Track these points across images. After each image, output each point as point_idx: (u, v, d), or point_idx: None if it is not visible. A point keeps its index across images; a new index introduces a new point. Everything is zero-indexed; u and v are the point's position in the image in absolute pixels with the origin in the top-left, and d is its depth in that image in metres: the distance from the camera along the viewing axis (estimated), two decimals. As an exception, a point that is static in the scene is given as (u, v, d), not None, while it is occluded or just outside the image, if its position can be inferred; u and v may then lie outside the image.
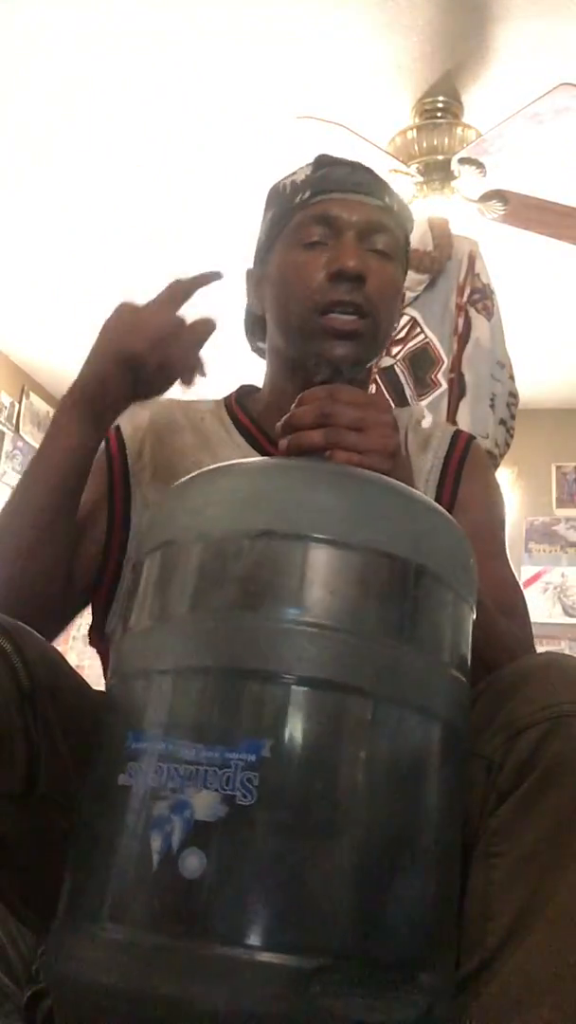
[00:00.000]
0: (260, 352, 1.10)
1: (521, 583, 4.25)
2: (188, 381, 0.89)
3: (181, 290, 0.91)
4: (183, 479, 0.71)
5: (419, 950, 0.55)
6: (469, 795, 0.67)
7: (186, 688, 0.58)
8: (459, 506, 1.00)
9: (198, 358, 0.89)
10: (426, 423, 1.11)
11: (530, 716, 0.66)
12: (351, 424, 0.73)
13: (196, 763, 0.53)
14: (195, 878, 0.50)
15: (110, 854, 0.55)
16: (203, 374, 0.90)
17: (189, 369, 0.89)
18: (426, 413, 2.14)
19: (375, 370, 2.13)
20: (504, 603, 0.93)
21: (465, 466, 1.04)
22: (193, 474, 0.70)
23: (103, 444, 1.01)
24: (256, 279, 1.07)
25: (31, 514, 0.90)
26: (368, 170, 1.02)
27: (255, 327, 1.09)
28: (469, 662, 0.67)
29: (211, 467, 0.70)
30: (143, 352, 0.86)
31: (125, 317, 0.88)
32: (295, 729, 0.54)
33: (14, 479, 4.60)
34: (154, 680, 0.59)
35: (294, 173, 1.04)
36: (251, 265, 1.09)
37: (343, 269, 0.93)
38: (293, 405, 0.76)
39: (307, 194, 0.99)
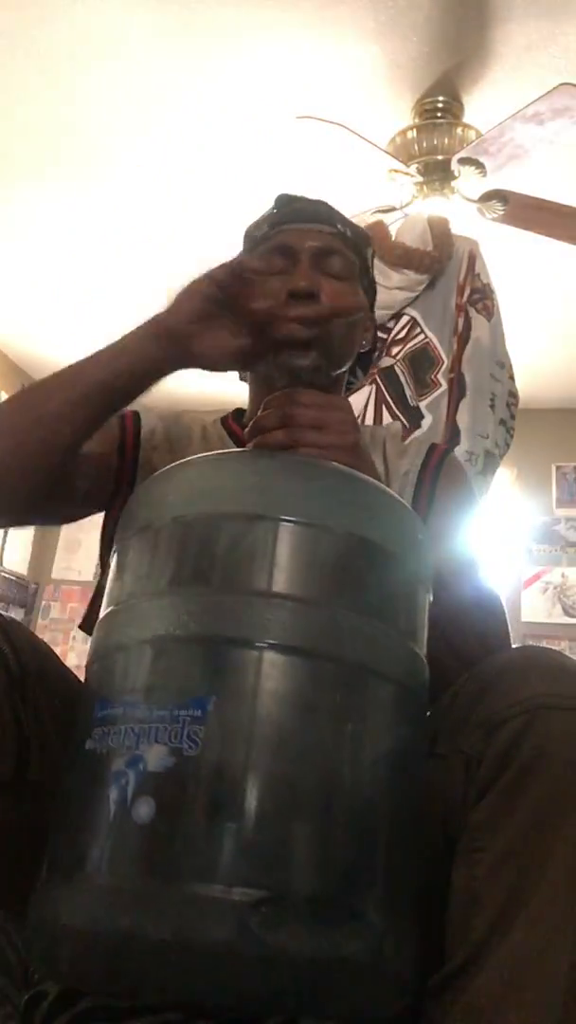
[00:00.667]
0: (246, 378, 1.18)
1: (521, 583, 4.24)
2: (214, 366, 0.91)
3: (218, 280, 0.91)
4: (157, 472, 0.76)
5: (367, 891, 0.57)
6: (450, 791, 0.67)
7: (143, 657, 0.63)
8: (434, 512, 1.05)
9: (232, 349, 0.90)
10: (416, 434, 1.15)
11: (507, 710, 0.66)
12: (311, 423, 0.79)
13: (150, 721, 0.58)
14: (145, 823, 0.55)
15: (78, 811, 0.60)
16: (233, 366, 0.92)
17: (222, 355, 0.91)
18: (426, 412, 2.14)
19: (373, 373, 2.13)
20: (479, 602, 0.97)
21: (441, 474, 1.09)
22: (166, 467, 0.76)
23: (119, 418, 1.08)
24: None
25: (54, 419, 0.90)
26: (322, 202, 1.11)
27: None
28: (424, 636, 0.71)
29: (182, 460, 0.76)
30: (174, 328, 0.89)
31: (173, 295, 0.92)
32: (238, 686, 0.59)
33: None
34: (117, 654, 0.65)
35: (261, 215, 1.13)
36: None
37: (295, 289, 1.00)
38: (259, 410, 0.83)
39: (266, 228, 1.10)
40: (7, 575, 4.54)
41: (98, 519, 1.17)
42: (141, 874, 0.55)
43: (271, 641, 0.60)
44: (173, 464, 0.75)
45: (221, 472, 0.73)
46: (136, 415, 1.12)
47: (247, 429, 0.81)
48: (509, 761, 0.65)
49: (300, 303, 0.99)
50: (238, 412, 1.19)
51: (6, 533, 4.57)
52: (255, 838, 0.55)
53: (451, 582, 0.78)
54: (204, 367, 0.92)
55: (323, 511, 0.66)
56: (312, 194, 1.16)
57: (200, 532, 0.67)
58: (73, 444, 0.91)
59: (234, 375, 1.15)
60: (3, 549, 4.57)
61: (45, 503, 0.96)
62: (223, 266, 0.89)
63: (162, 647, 0.62)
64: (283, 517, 0.65)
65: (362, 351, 1.14)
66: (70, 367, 0.93)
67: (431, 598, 0.73)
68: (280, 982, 0.54)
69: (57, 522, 1.13)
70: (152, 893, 0.54)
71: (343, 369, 1.09)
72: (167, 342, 0.90)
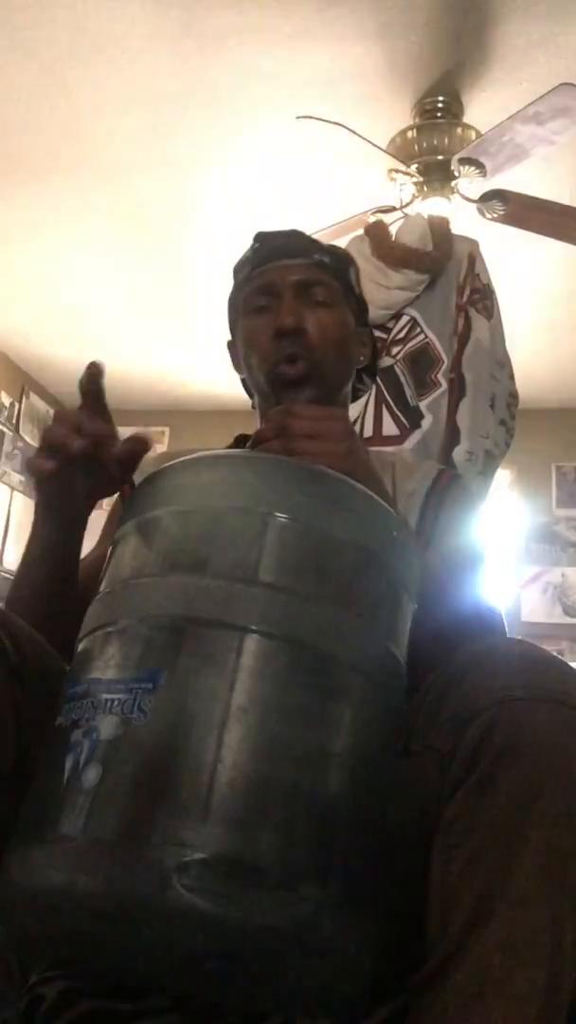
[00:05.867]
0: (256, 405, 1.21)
1: (521, 583, 4.23)
2: (118, 482, 0.87)
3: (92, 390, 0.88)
4: (155, 470, 0.78)
5: (303, 865, 0.58)
6: (425, 789, 0.68)
7: (109, 637, 0.66)
8: (439, 531, 1.07)
9: (116, 468, 0.85)
10: (416, 434, 1.18)
11: (476, 704, 0.67)
12: (306, 433, 0.82)
13: (108, 694, 0.61)
14: (91, 786, 0.58)
15: (41, 781, 0.63)
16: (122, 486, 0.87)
17: (117, 473, 0.86)
18: (426, 412, 2.14)
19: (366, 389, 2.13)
20: (479, 615, 0.98)
21: (447, 497, 1.11)
22: (164, 465, 0.77)
23: (117, 496, 1.08)
24: (234, 350, 1.20)
25: (35, 599, 0.95)
26: (300, 235, 1.15)
27: (247, 388, 1.21)
28: (403, 635, 0.71)
29: (180, 459, 0.77)
30: (69, 449, 0.84)
31: (47, 429, 0.87)
32: (190, 661, 0.61)
33: (14, 479, 4.61)
34: (90, 637, 0.68)
35: (244, 253, 1.17)
36: (229, 339, 1.22)
37: (280, 327, 1.06)
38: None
39: (248, 269, 1.13)
40: (7, 575, 4.54)
41: (99, 521, 1.17)
42: (82, 834, 0.58)
43: (225, 620, 0.62)
44: (164, 465, 0.77)
45: (205, 470, 0.76)
46: (131, 483, 1.13)
47: (248, 443, 0.84)
48: (479, 756, 0.65)
49: (286, 340, 1.05)
50: (239, 439, 1.21)
51: (6, 533, 4.58)
52: (191, 803, 0.56)
53: (452, 598, 0.80)
54: (103, 496, 0.91)
55: (298, 507, 0.68)
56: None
57: (169, 523, 0.70)
58: (73, 604, 0.93)
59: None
60: (3, 549, 4.57)
61: None
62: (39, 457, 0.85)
63: (126, 627, 0.65)
64: (254, 509, 0.68)
65: (360, 366, 1.18)
66: (19, 569, 0.96)
67: (415, 605, 0.73)
68: (203, 942, 0.55)
69: None
70: (88, 851, 0.57)
71: (342, 393, 1.14)
72: (59, 516, 0.91)
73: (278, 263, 1.11)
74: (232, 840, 0.56)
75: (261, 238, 1.15)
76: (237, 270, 1.16)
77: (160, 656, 0.62)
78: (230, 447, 1.21)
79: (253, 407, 1.20)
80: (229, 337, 1.21)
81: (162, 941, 0.56)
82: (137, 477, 1.13)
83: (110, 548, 0.76)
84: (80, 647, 0.69)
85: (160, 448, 4.83)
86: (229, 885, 0.55)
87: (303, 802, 0.59)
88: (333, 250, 1.15)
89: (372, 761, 0.64)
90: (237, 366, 1.19)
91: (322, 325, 1.08)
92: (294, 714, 0.61)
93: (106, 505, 1.17)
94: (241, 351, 1.14)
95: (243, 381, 1.20)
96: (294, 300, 1.08)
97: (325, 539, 0.68)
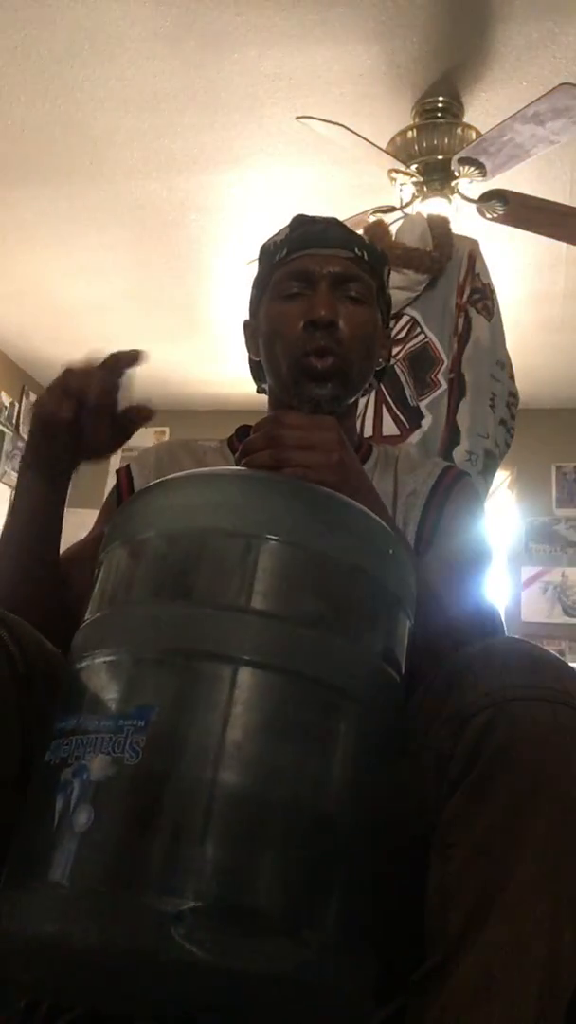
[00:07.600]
0: (264, 392, 1.18)
1: (521, 583, 4.22)
2: (106, 450, 0.89)
3: (113, 362, 0.89)
4: (143, 487, 0.77)
5: (302, 909, 0.56)
6: (423, 788, 0.68)
7: (98, 670, 0.64)
8: (441, 530, 1.05)
9: (121, 427, 0.88)
10: (416, 434, 1.16)
11: (474, 704, 0.67)
12: (297, 443, 0.80)
13: (97, 732, 0.59)
14: (83, 831, 0.56)
15: (29, 821, 0.61)
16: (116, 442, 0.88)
17: (107, 440, 0.87)
18: (426, 412, 2.14)
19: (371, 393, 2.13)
20: (479, 617, 0.97)
21: (451, 496, 1.09)
22: (152, 483, 0.76)
23: (114, 484, 1.13)
24: (251, 330, 1.17)
25: (15, 565, 0.95)
26: (340, 225, 1.12)
27: (257, 371, 1.18)
28: (401, 654, 0.70)
29: (167, 476, 0.76)
30: (56, 416, 0.86)
31: (54, 382, 0.88)
32: (180, 696, 0.59)
33: (14, 479, 4.60)
34: (78, 667, 0.66)
35: (277, 233, 1.13)
36: (247, 318, 1.19)
37: (315, 318, 1.03)
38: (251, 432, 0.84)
39: (285, 252, 1.09)
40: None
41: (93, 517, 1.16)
42: (73, 881, 0.55)
43: (216, 651, 0.60)
44: (156, 481, 0.76)
45: (194, 490, 0.74)
46: (128, 471, 1.14)
47: (238, 452, 0.83)
48: (478, 755, 0.65)
49: (318, 332, 1.03)
50: (241, 430, 1.19)
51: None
52: (186, 847, 0.54)
53: (450, 604, 0.80)
54: (97, 453, 0.90)
55: (288, 528, 0.67)
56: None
57: (157, 546, 0.68)
58: (52, 569, 0.96)
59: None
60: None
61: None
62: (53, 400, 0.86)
63: (114, 660, 0.63)
64: (244, 531, 0.66)
65: (379, 368, 1.16)
66: (2, 537, 0.96)
67: (411, 621, 0.73)
68: (203, 994, 0.54)
69: None
70: (81, 900, 0.55)
71: (358, 393, 1.11)
72: (48, 436, 0.90)
73: (317, 251, 1.08)
74: (229, 885, 0.54)
75: (300, 221, 1.12)
76: (269, 250, 1.13)
77: (150, 692, 0.60)
78: (231, 439, 1.19)
79: (259, 391, 1.18)
80: (248, 317, 1.18)
81: (159, 992, 0.54)
82: (139, 473, 1.13)
83: (97, 568, 0.74)
84: (68, 678, 0.67)
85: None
86: (227, 933, 0.53)
87: (301, 841, 0.58)
88: (372, 246, 1.12)
89: (370, 791, 0.63)
90: (252, 347, 1.16)
91: (354, 322, 1.05)
92: (290, 748, 0.59)
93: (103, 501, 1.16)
94: (264, 335, 1.11)
95: (254, 364, 1.17)
96: (329, 292, 1.05)
97: (317, 560, 0.66)
